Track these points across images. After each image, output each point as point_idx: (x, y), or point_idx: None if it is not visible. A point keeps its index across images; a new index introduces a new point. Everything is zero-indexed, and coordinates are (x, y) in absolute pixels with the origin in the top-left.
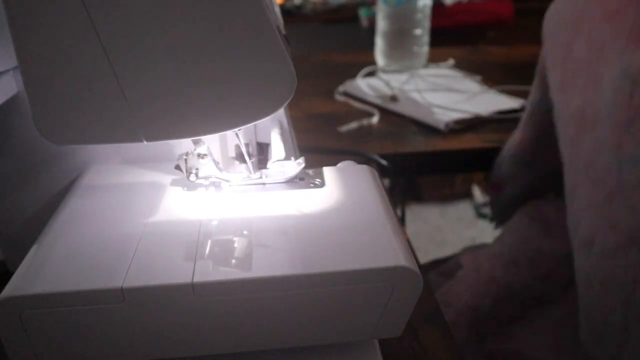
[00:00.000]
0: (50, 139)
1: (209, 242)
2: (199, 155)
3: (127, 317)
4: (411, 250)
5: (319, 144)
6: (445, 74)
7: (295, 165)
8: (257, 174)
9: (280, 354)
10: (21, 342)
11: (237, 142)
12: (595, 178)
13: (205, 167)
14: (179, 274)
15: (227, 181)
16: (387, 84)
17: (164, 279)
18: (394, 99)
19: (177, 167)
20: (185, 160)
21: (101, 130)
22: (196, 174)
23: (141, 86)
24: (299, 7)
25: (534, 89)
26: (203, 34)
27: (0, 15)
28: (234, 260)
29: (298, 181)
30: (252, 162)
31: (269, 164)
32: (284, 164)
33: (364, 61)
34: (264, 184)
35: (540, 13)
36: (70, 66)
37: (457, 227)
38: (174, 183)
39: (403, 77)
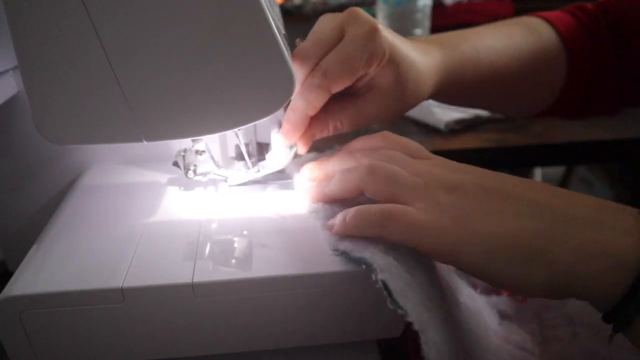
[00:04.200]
0: (50, 139)
1: (209, 242)
2: (197, 151)
3: (127, 317)
4: None
5: (318, 143)
6: None
7: (288, 152)
8: (255, 168)
9: (280, 354)
10: (21, 342)
11: (237, 142)
12: None
13: (203, 164)
14: (179, 274)
15: (225, 177)
16: None
17: (164, 279)
18: None
19: (175, 164)
20: (183, 156)
21: (101, 130)
22: (194, 171)
23: (141, 86)
24: (299, 7)
25: None
26: (203, 34)
27: (0, 14)
28: (233, 260)
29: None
30: (252, 162)
31: (266, 156)
32: (279, 154)
33: None
34: (260, 174)
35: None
36: (70, 66)
37: None
38: (174, 183)
39: None
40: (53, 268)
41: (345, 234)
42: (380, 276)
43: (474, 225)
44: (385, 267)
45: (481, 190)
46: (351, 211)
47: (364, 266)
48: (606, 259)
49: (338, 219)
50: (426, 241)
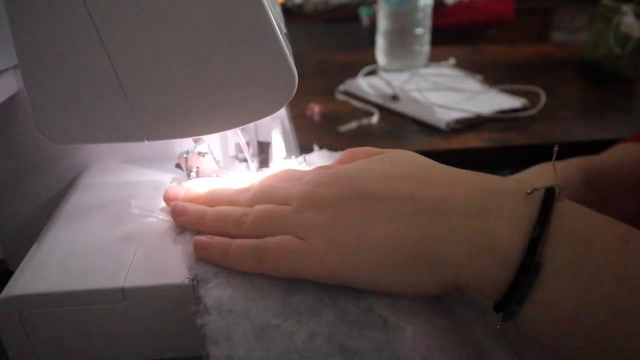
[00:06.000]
0: (50, 138)
1: None
2: (199, 153)
3: (127, 317)
4: None
5: (319, 143)
6: (446, 73)
7: (296, 165)
8: (258, 174)
9: None
10: (21, 341)
11: (237, 140)
12: None
13: (206, 166)
14: (179, 273)
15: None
16: (388, 83)
17: (164, 278)
18: (394, 98)
19: (178, 166)
20: (186, 158)
21: (102, 129)
22: (197, 173)
23: (142, 85)
24: (300, 6)
25: None
26: (204, 32)
27: (1, 13)
28: None
29: None
30: (252, 160)
31: (271, 165)
32: (284, 164)
33: (364, 60)
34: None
35: (540, 12)
36: (71, 65)
37: None
38: (175, 182)
39: (404, 76)
40: (53, 267)
41: (226, 266)
42: (199, 321)
43: (351, 243)
44: (213, 307)
45: (353, 200)
46: (232, 246)
47: (193, 308)
48: (489, 251)
49: (216, 247)
50: (306, 270)
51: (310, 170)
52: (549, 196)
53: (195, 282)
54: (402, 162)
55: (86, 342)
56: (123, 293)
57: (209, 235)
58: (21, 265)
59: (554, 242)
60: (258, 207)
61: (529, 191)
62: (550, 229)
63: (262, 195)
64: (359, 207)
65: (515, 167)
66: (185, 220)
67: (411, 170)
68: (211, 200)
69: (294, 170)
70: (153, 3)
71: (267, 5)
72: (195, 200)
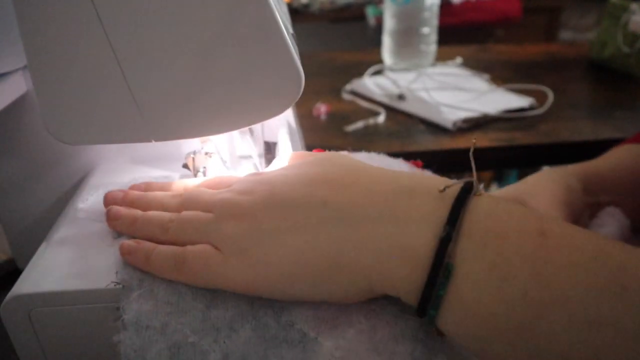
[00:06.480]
0: (59, 138)
1: None
2: (206, 153)
3: None
4: None
5: (325, 142)
6: (453, 72)
7: None
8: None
9: None
10: (30, 340)
11: (244, 141)
12: None
13: (213, 166)
14: None
15: None
16: (395, 82)
17: None
18: (401, 97)
19: (185, 166)
20: (193, 158)
21: (110, 129)
22: (204, 173)
23: (149, 86)
24: (306, 6)
25: None
26: (211, 33)
27: (10, 14)
28: None
29: None
30: (260, 161)
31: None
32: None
33: (371, 60)
34: None
35: (547, 11)
36: (79, 66)
37: None
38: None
39: (410, 75)
40: (62, 266)
41: (149, 272)
42: (115, 337)
43: (263, 255)
44: (130, 322)
45: (269, 209)
46: (154, 252)
47: (110, 323)
48: (400, 256)
49: (140, 252)
50: (221, 282)
51: (240, 177)
52: (464, 193)
53: (121, 287)
54: (326, 165)
55: (94, 340)
56: None
57: (137, 240)
58: (30, 264)
59: (466, 240)
60: (183, 214)
61: (441, 188)
62: (463, 227)
63: (189, 201)
64: (274, 216)
65: (523, 167)
66: (119, 225)
67: (331, 174)
68: (145, 204)
69: (226, 177)
70: (160, 4)
71: (273, 5)
72: (131, 204)
